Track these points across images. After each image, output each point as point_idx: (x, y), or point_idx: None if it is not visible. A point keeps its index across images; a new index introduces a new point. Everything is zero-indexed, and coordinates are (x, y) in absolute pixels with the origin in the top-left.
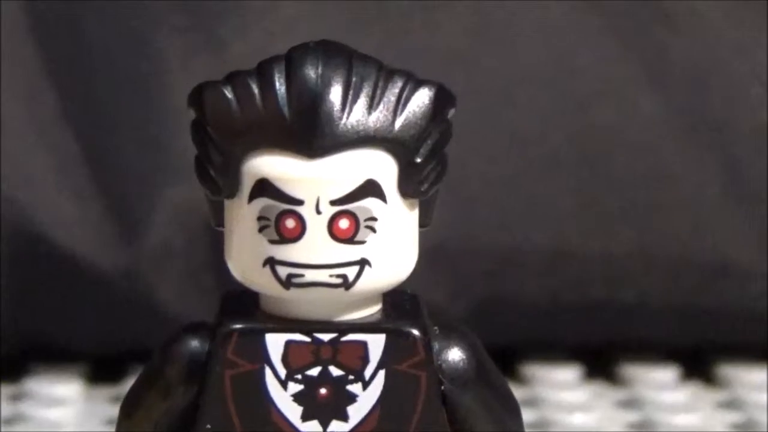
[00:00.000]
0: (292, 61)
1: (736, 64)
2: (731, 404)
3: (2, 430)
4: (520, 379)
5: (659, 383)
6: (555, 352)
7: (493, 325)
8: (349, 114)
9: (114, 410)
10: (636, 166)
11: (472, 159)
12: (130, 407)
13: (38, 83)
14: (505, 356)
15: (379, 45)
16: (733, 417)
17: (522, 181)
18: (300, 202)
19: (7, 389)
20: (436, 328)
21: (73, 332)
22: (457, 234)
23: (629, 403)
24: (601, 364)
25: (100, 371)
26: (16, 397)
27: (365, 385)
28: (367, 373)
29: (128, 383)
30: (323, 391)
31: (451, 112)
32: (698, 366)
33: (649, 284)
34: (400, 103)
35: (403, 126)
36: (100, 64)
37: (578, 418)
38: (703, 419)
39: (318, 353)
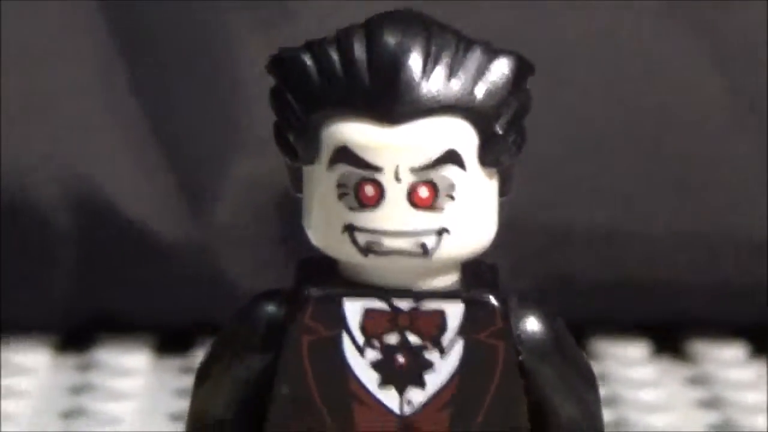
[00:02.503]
0: (372, 29)
1: None
2: None
3: (71, 399)
4: (588, 355)
5: (727, 360)
6: (621, 328)
7: (560, 301)
8: (429, 81)
9: (182, 381)
10: (696, 145)
11: (530, 137)
12: (205, 373)
13: (109, 60)
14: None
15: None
16: None
17: (582, 159)
18: (379, 170)
19: (77, 359)
20: (514, 298)
21: (142, 304)
22: (518, 211)
23: (697, 380)
24: (668, 341)
25: (168, 343)
26: (86, 367)
27: (443, 353)
28: (445, 341)
29: (196, 355)
30: (401, 358)
31: (528, 82)
32: (765, 344)
33: (718, 263)
34: (480, 72)
35: (483, 95)
36: (170, 40)
37: (647, 394)
38: None
39: (396, 320)
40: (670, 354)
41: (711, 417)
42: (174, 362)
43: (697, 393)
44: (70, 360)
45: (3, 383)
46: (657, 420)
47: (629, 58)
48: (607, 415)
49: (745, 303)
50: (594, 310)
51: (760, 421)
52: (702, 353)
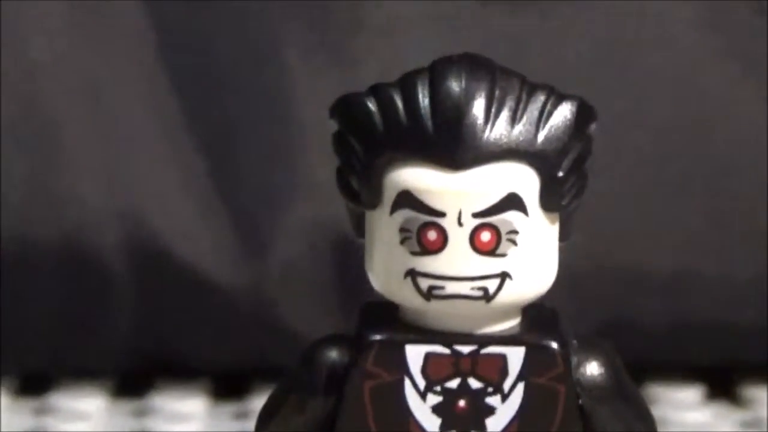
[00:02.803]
0: (435, 74)
1: None
2: None
3: None
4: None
5: None
6: (677, 372)
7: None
8: (492, 127)
9: (238, 426)
10: (760, 187)
11: (596, 177)
12: (267, 418)
13: (166, 98)
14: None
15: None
16: None
17: (644, 201)
18: (442, 215)
19: (133, 405)
20: (574, 341)
21: (197, 348)
22: (580, 253)
23: (751, 424)
24: (723, 385)
25: (224, 388)
26: (142, 413)
27: (504, 397)
28: (506, 385)
29: (252, 400)
30: (462, 403)
31: (593, 127)
32: None
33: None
34: (543, 117)
35: (545, 140)
36: (227, 79)
37: None
38: None
39: (457, 365)
40: (724, 398)
41: None
42: (230, 408)
43: None
44: (126, 406)
45: (59, 429)
46: None
47: (697, 98)
48: None
49: None
50: (651, 355)
51: None
52: (756, 397)
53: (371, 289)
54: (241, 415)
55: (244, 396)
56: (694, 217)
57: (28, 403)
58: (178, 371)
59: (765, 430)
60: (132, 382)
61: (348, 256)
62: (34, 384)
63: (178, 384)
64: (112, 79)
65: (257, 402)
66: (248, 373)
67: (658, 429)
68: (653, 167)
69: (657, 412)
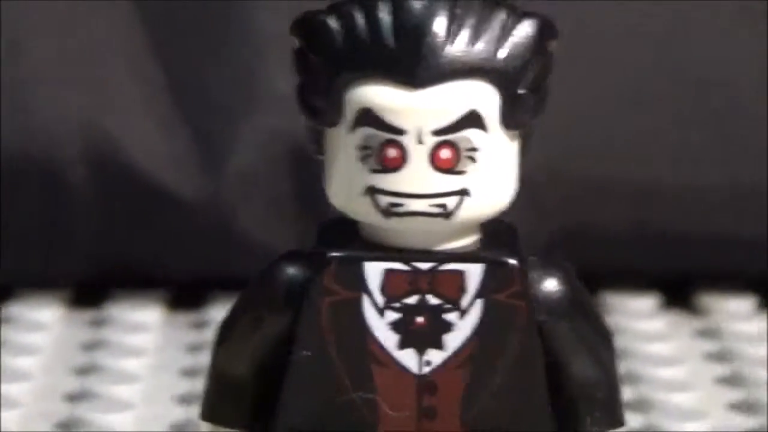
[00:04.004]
0: None
1: None
2: None
3: (84, 355)
4: (601, 308)
5: (737, 314)
6: (634, 281)
7: (574, 255)
8: (452, 45)
9: (196, 336)
10: (722, 100)
11: (559, 93)
12: (226, 334)
13: (129, 19)
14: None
15: None
16: None
17: (604, 113)
18: (402, 132)
19: (89, 315)
20: (533, 258)
21: (155, 258)
22: (539, 164)
23: (706, 332)
24: (679, 294)
25: (180, 298)
26: (99, 323)
27: (462, 314)
28: (465, 302)
29: (208, 310)
30: (420, 319)
31: (553, 45)
32: None
33: (730, 218)
34: (503, 35)
35: (506, 57)
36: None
37: (657, 347)
38: None
39: (416, 282)
40: (680, 307)
41: (719, 369)
42: (187, 318)
43: (707, 345)
44: (83, 315)
45: (16, 339)
46: (666, 372)
47: (662, 20)
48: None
49: (754, 257)
50: (607, 263)
51: None
52: (712, 306)
53: (329, 205)
54: (199, 325)
55: (201, 306)
56: (654, 128)
57: None
58: (134, 282)
59: (721, 338)
60: (89, 293)
61: (305, 168)
62: None
63: (135, 294)
64: (80, 7)
65: (214, 312)
66: (206, 283)
67: (613, 337)
68: (613, 80)
69: (613, 320)
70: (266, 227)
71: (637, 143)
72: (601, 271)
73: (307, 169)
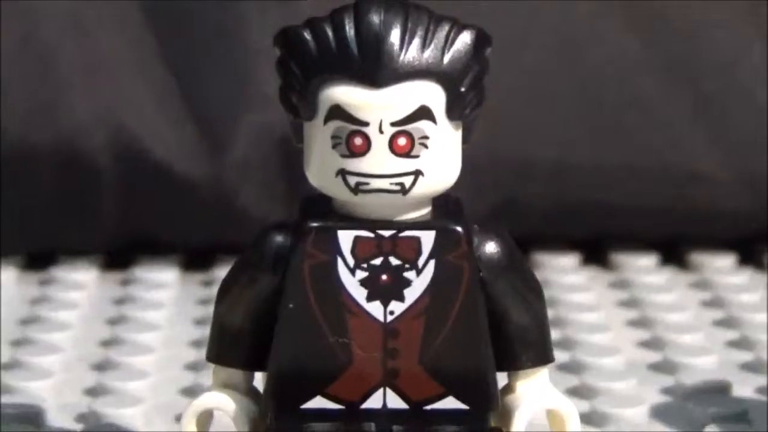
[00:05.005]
0: (359, 9)
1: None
2: (700, 285)
3: (115, 308)
4: (532, 266)
5: (643, 268)
6: (558, 243)
7: (509, 222)
8: (406, 52)
9: (205, 292)
10: (623, 97)
11: (491, 92)
12: (225, 291)
13: (142, 30)
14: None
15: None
16: (703, 296)
17: (529, 106)
18: (366, 124)
19: (118, 276)
20: (476, 226)
21: (170, 230)
22: (479, 148)
23: (619, 284)
24: (595, 253)
25: (192, 261)
26: (126, 282)
27: (419, 272)
28: (420, 262)
29: (215, 271)
30: (384, 277)
31: (488, 51)
32: (674, 254)
33: (634, 189)
34: (448, 43)
35: (450, 62)
36: (193, 16)
37: (578, 297)
38: (678, 298)
39: (380, 246)
40: (596, 263)
41: (629, 314)
42: (198, 276)
43: (619, 294)
44: (114, 276)
45: (59, 296)
46: (586, 317)
47: (574, 28)
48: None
49: (656, 221)
50: (536, 229)
51: (670, 317)
52: (622, 262)
53: (309, 184)
54: (208, 283)
55: (209, 267)
56: (567, 117)
57: (34, 276)
58: (155, 248)
59: (630, 288)
60: (117, 258)
61: (292, 155)
62: (38, 261)
63: (155, 259)
64: (96, 15)
65: (219, 272)
66: (213, 249)
67: (543, 290)
68: (537, 81)
69: (541, 275)
70: (260, 204)
71: (556, 130)
72: (531, 235)
73: (292, 157)
